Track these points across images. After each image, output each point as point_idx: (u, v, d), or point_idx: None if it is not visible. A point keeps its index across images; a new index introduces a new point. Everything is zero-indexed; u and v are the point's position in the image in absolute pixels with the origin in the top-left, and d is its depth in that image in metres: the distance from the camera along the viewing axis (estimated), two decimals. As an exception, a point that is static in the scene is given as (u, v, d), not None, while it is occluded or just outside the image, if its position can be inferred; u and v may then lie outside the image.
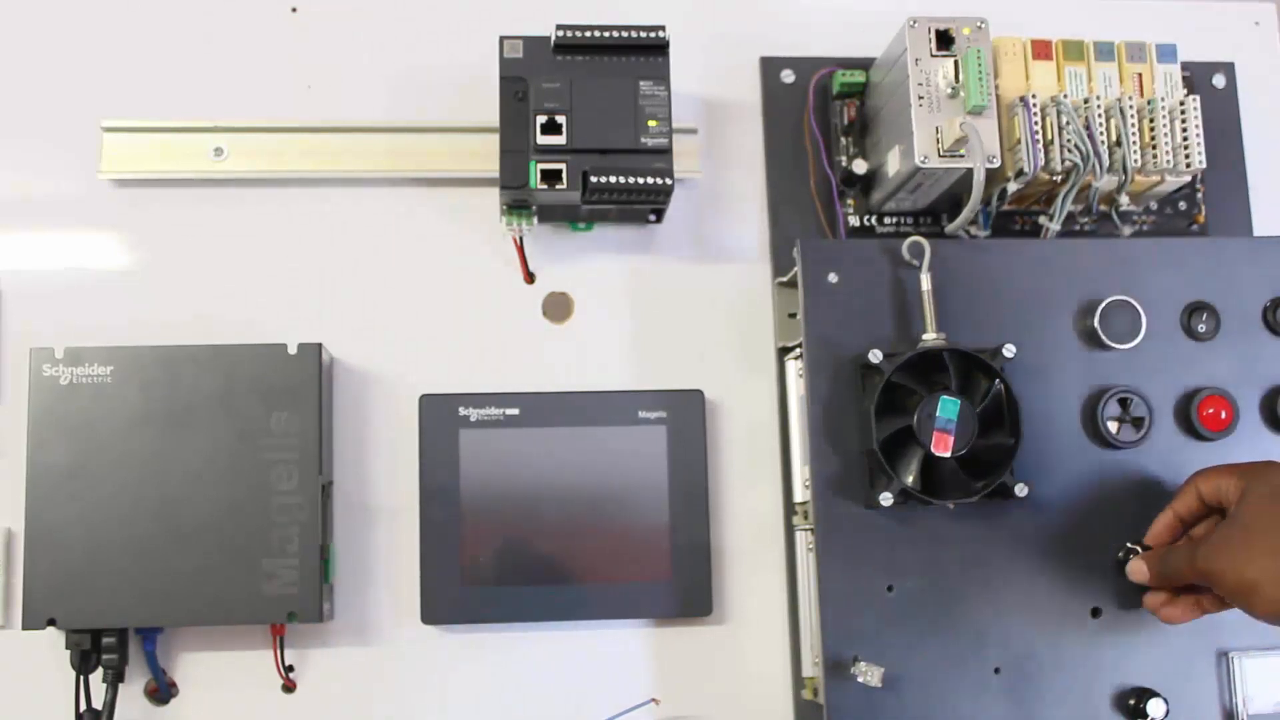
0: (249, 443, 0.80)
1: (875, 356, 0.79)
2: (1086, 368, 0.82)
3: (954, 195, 0.87)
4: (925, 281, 0.80)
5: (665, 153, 0.83)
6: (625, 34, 0.84)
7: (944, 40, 0.83)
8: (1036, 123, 0.83)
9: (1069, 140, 0.83)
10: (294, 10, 0.92)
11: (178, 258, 0.88)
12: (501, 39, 0.84)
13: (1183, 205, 0.94)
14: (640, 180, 0.82)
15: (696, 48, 0.93)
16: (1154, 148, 0.84)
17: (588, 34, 0.83)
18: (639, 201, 0.85)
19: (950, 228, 0.87)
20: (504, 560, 0.83)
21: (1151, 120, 0.84)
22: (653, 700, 0.85)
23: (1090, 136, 0.84)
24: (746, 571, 0.87)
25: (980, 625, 0.79)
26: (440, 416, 0.84)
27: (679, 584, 0.84)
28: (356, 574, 0.85)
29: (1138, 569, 0.76)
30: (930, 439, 0.77)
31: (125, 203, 0.89)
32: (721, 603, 0.86)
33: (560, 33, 0.83)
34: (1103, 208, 0.89)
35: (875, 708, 0.77)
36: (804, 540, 0.84)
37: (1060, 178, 0.85)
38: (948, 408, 0.77)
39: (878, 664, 0.77)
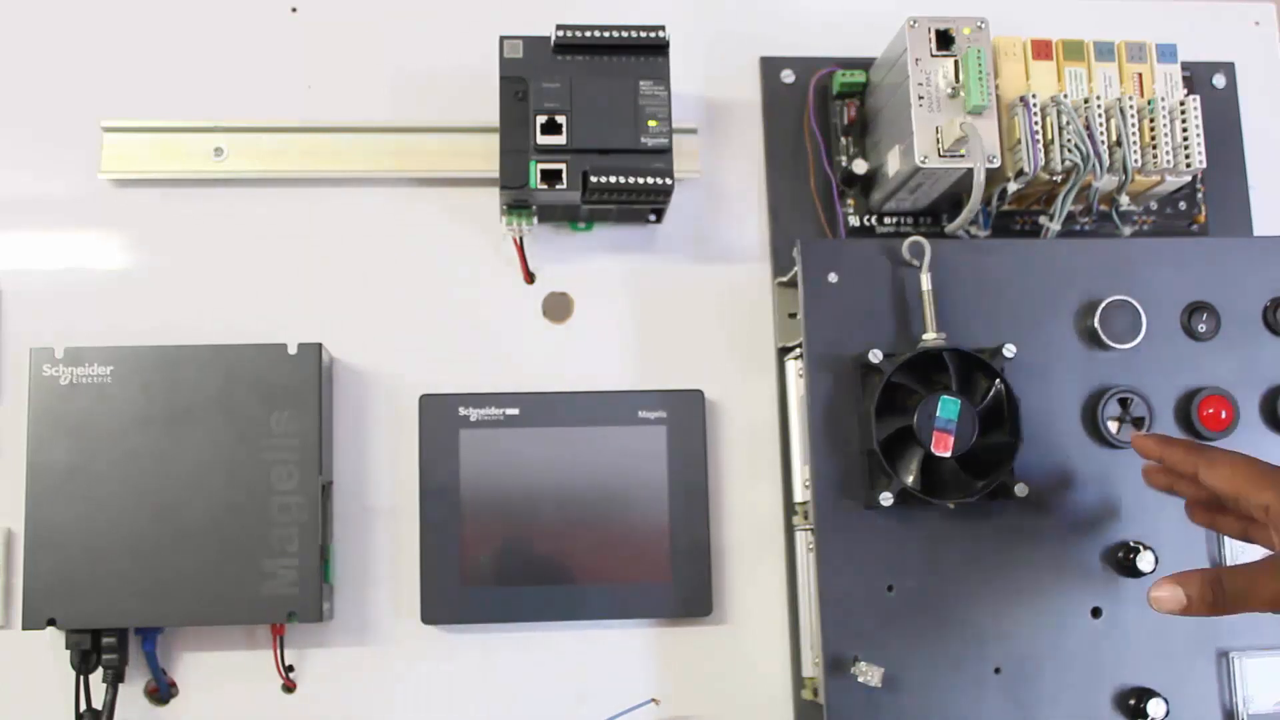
0: (249, 443, 0.80)
1: (875, 356, 0.79)
2: (1086, 368, 0.82)
3: (954, 195, 0.87)
4: (925, 281, 0.80)
5: (665, 153, 0.83)
6: (625, 34, 0.84)
7: (944, 40, 0.83)
8: (1036, 123, 0.83)
9: (1069, 140, 0.83)
10: (294, 10, 0.92)
11: (178, 258, 0.88)
12: (501, 39, 0.84)
13: (1183, 205, 0.94)
14: (640, 180, 0.82)
15: (696, 48, 0.94)
16: (1154, 148, 0.84)
17: (588, 34, 0.83)
18: (639, 201, 0.85)
19: (950, 228, 0.87)
20: (504, 560, 0.83)
21: (1151, 120, 0.84)
22: (653, 700, 0.85)
23: (1090, 136, 0.84)
24: (746, 571, 0.87)
25: (980, 625, 0.79)
26: (440, 416, 0.84)
27: (679, 584, 0.84)
28: (356, 574, 0.85)
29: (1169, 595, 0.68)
30: (930, 439, 0.77)
31: (125, 203, 0.89)
32: (721, 603, 0.86)
33: (560, 33, 0.83)
34: (1103, 208, 0.89)
35: (875, 708, 0.77)
36: (804, 540, 0.84)
37: (1060, 178, 0.85)
38: (948, 408, 0.77)
39: (878, 664, 0.77)
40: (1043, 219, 0.87)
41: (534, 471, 0.84)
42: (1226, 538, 0.81)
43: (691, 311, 0.90)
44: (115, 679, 0.79)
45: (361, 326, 0.88)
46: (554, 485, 0.84)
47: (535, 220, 0.85)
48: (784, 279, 0.88)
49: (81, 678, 0.79)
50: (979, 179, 0.80)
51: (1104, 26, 0.92)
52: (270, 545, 0.79)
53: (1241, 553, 0.80)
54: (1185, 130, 0.84)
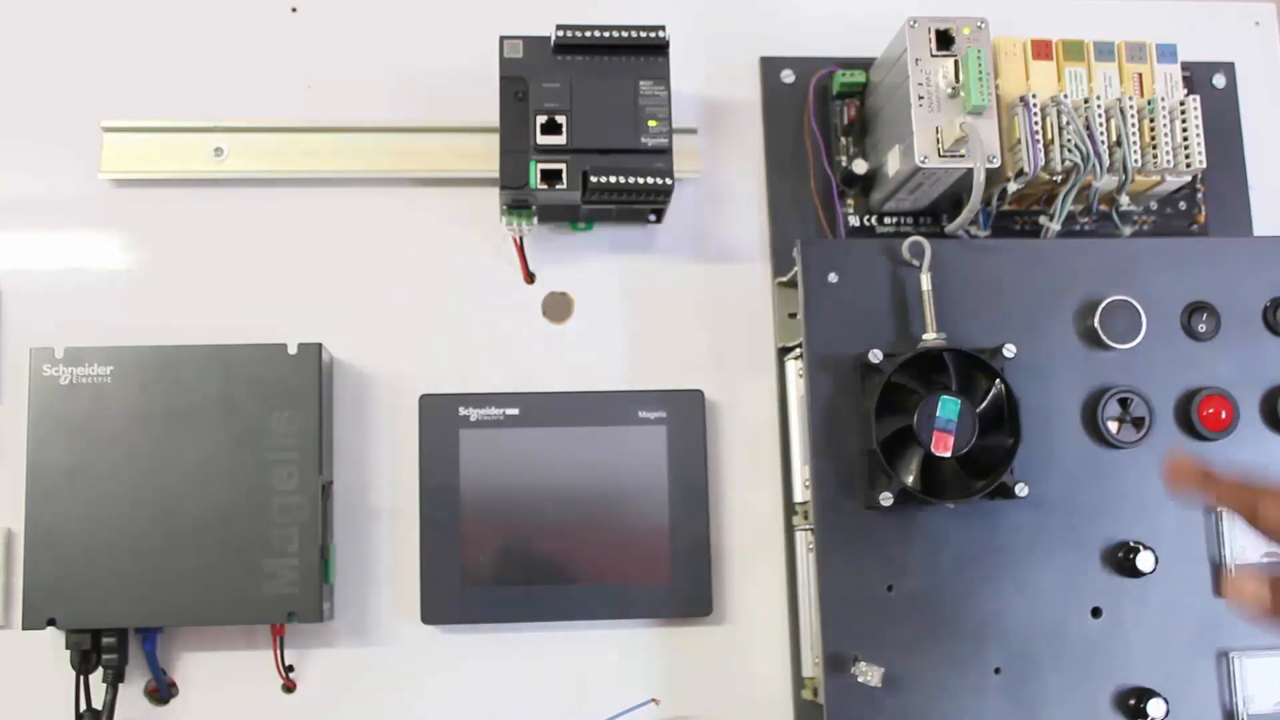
0: (249, 443, 0.80)
1: (875, 356, 0.79)
2: (1086, 368, 0.82)
3: (954, 195, 0.87)
4: (925, 281, 0.80)
5: (665, 153, 0.83)
6: (625, 34, 0.84)
7: (944, 40, 0.83)
8: (1036, 123, 0.83)
9: (1069, 140, 0.83)
10: (294, 10, 0.92)
11: (178, 258, 0.88)
12: (501, 39, 0.84)
13: (1183, 205, 0.94)
14: (640, 180, 0.82)
15: (696, 48, 0.93)
16: (1154, 148, 0.84)
17: (588, 34, 0.83)
18: (639, 201, 0.85)
19: (950, 228, 0.87)
20: (504, 560, 0.83)
21: (1151, 120, 0.84)
22: (653, 700, 0.85)
23: (1090, 136, 0.84)
24: (746, 571, 0.87)
25: (980, 625, 0.79)
26: (440, 416, 0.84)
27: (679, 584, 0.84)
28: (356, 574, 0.85)
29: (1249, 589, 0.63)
30: (930, 439, 0.77)
31: (125, 203, 0.89)
32: (721, 603, 0.86)
33: (560, 33, 0.83)
34: (1103, 208, 0.89)
35: (875, 708, 0.77)
36: (804, 540, 0.84)
37: (1060, 178, 0.85)
38: (948, 408, 0.77)
39: (878, 664, 0.77)
40: (1043, 219, 0.87)
41: (534, 471, 0.84)
42: (1226, 538, 0.80)
43: (691, 311, 0.90)
44: (115, 679, 0.79)
45: (361, 326, 0.88)
46: (554, 485, 0.84)
47: (535, 220, 0.85)
48: (784, 279, 0.88)
49: (81, 678, 0.79)
50: (979, 179, 0.80)
51: (1104, 26, 0.92)
52: (270, 545, 0.79)
53: (1241, 553, 0.80)
54: (1185, 130, 0.84)
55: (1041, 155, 0.83)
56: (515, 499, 0.84)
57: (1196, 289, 0.84)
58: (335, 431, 0.86)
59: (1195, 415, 0.82)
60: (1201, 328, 0.83)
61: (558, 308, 0.90)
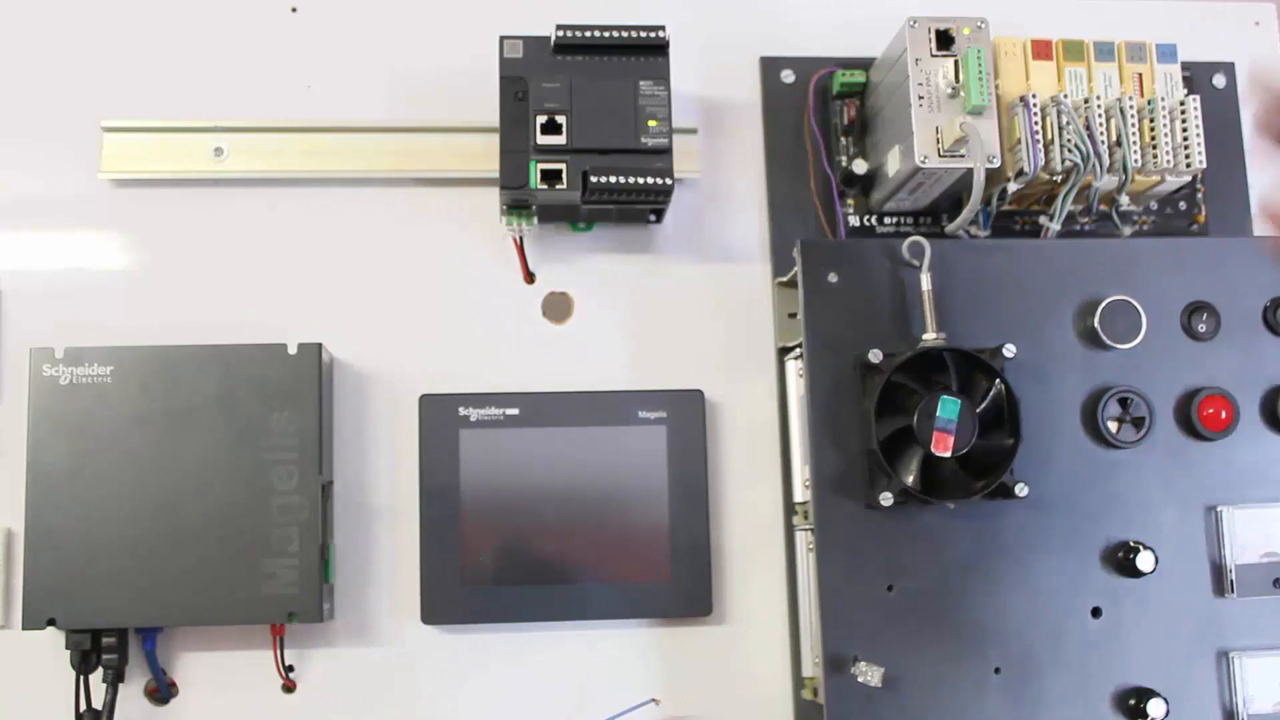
0: (249, 443, 0.80)
1: (875, 356, 0.79)
2: (1086, 368, 0.82)
3: (954, 195, 0.87)
4: (925, 281, 0.80)
5: (665, 153, 0.83)
6: (625, 34, 0.84)
7: (944, 40, 0.83)
8: (1036, 123, 0.83)
9: (1069, 140, 0.83)
10: (294, 10, 0.92)
11: (178, 258, 0.88)
12: (501, 39, 0.84)
13: (1183, 205, 0.94)
14: (640, 180, 0.82)
15: (696, 48, 0.93)
16: (1154, 148, 0.84)
17: (588, 34, 0.83)
18: (639, 201, 0.85)
19: (950, 228, 0.87)
20: (504, 560, 0.83)
21: (1151, 120, 0.84)
22: (653, 700, 0.85)
23: (1090, 136, 0.84)
24: (746, 571, 0.87)
25: (980, 625, 0.79)
26: (440, 416, 0.85)
27: (679, 584, 0.84)
28: (356, 574, 0.85)
29: None
30: (930, 439, 0.77)
31: (125, 203, 0.89)
32: (721, 603, 0.86)
33: (560, 33, 0.83)
34: (1103, 208, 0.89)
35: (875, 708, 0.77)
36: (804, 540, 0.84)
37: (1060, 178, 0.85)
38: (948, 408, 0.77)
39: (878, 664, 0.77)
40: (1043, 219, 0.87)
41: (534, 471, 0.84)
42: (1226, 538, 0.81)
43: (691, 311, 0.90)
44: (115, 679, 0.80)
45: (361, 326, 0.88)
46: (554, 485, 0.84)
47: (535, 220, 0.85)
48: (784, 279, 0.88)
49: (81, 678, 0.79)
50: (979, 179, 0.80)
51: (1104, 26, 0.92)
52: (270, 545, 0.79)
53: (1242, 552, 0.80)
54: (1185, 130, 0.84)
55: (1041, 155, 0.83)
56: (515, 499, 0.84)
57: (1196, 289, 0.84)
58: (335, 431, 0.86)
59: (1195, 415, 0.82)
60: (1201, 328, 0.83)
61: (558, 308, 0.90)
